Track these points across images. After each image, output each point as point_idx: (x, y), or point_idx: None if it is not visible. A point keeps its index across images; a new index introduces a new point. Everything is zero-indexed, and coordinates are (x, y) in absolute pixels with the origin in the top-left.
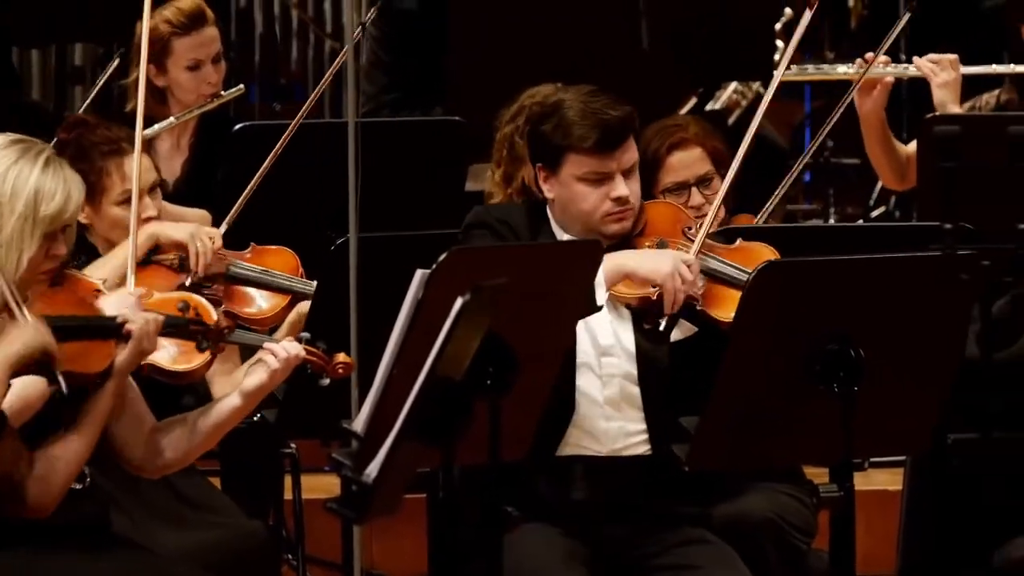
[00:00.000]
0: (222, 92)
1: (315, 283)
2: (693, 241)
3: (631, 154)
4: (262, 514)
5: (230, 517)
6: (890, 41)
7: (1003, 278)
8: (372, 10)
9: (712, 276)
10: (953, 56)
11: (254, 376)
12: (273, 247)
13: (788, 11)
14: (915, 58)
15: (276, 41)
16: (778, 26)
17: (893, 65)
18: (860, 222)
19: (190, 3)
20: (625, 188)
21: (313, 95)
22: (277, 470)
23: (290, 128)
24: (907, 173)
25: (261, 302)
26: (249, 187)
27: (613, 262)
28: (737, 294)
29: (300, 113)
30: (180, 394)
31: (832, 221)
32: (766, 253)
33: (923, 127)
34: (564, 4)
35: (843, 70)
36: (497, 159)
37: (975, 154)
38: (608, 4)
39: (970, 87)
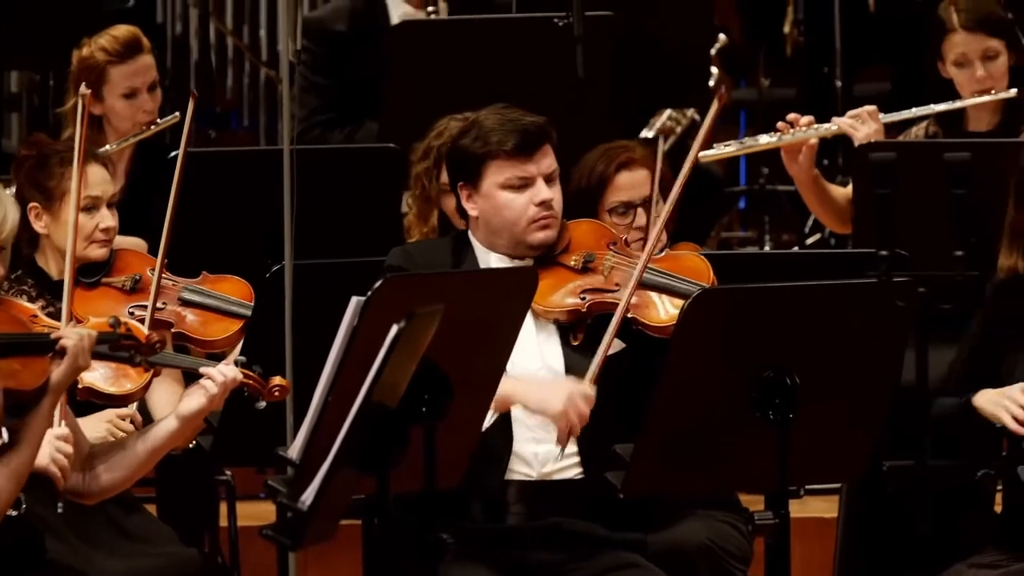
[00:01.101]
0: (158, 120)
1: None
2: (619, 256)
3: (550, 160)
4: (197, 541)
5: (166, 545)
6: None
7: (940, 305)
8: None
9: (647, 287)
10: (871, 108)
11: (191, 399)
12: (226, 276)
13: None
14: (834, 117)
15: (211, 69)
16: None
17: (815, 126)
18: (795, 249)
19: (126, 31)
20: (548, 191)
21: None
22: (212, 497)
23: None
24: (849, 215)
25: (214, 326)
26: (168, 214)
27: (504, 389)
28: (667, 299)
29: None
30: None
31: (767, 248)
32: (696, 260)
33: (858, 154)
34: (500, 31)
35: (765, 140)
36: (412, 195)
37: (911, 181)
38: (543, 31)
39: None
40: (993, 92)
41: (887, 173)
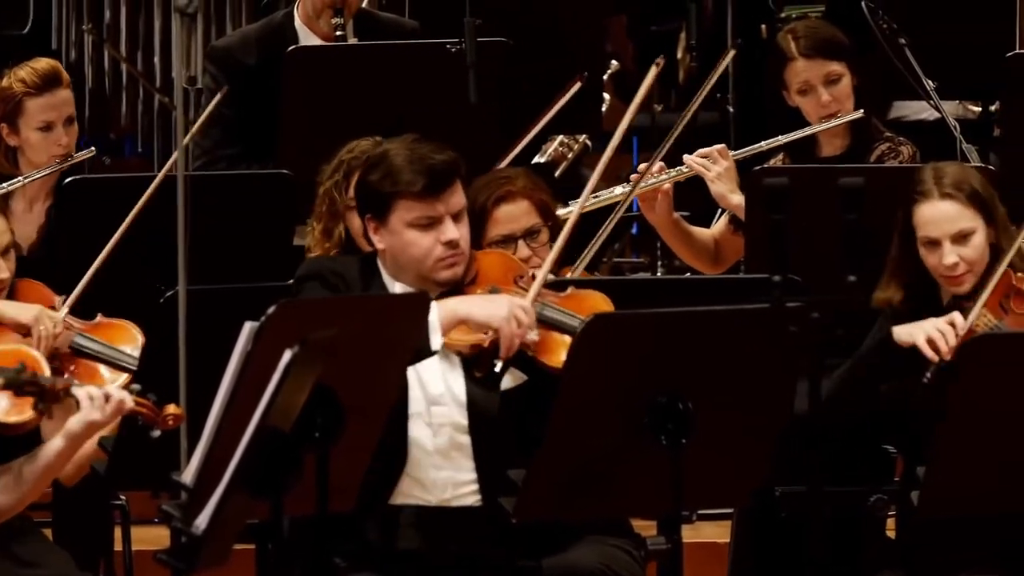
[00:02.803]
0: (73, 154)
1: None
2: (525, 290)
3: (459, 198)
4: (93, 566)
5: (61, 570)
6: (661, 153)
7: (834, 330)
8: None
9: (545, 323)
10: (721, 146)
11: (75, 418)
12: (117, 321)
13: (615, 63)
14: (685, 156)
15: (106, 95)
16: (605, 77)
17: (666, 171)
18: (688, 275)
19: (45, 64)
20: (455, 231)
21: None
22: (107, 521)
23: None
24: (719, 254)
25: (104, 375)
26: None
27: (448, 307)
28: (569, 340)
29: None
30: None
31: (660, 274)
32: (598, 300)
33: (752, 179)
34: (394, 57)
35: (620, 191)
36: (317, 214)
37: (804, 206)
38: (436, 57)
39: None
40: (840, 115)
41: (780, 198)
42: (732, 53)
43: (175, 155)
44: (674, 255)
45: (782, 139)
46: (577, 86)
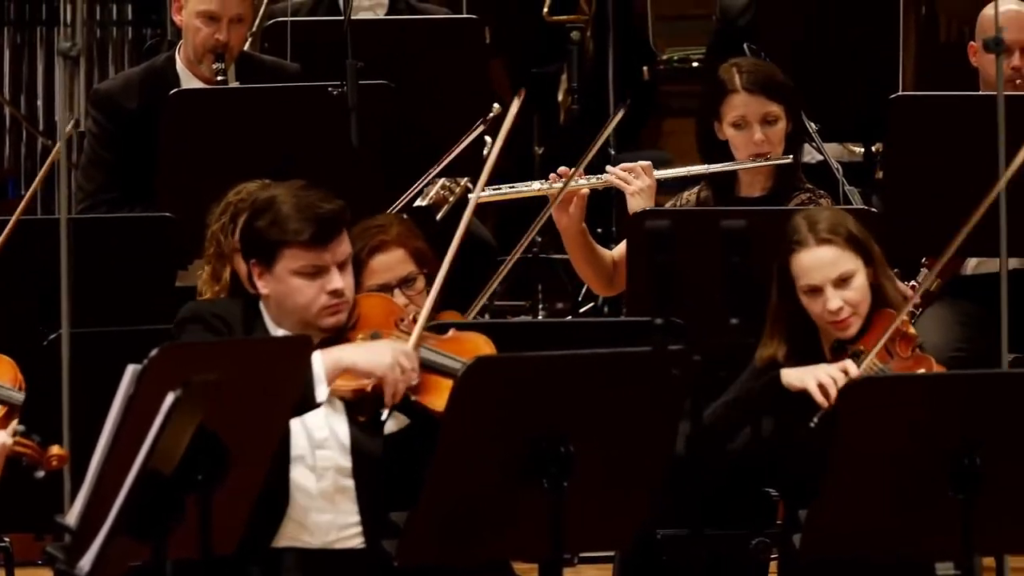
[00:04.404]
0: None
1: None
2: (407, 334)
3: (345, 247)
4: None
5: None
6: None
7: (717, 373)
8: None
9: (427, 367)
10: (646, 163)
11: None
12: None
13: (496, 106)
14: (608, 167)
15: None
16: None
17: (586, 177)
18: (569, 318)
19: None
20: (340, 281)
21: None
22: None
23: None
24: (615, 278)
25: None
26: None
27: (332, 357)
28: (451, 383)
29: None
30: None
31: (541, 317)
32: (480, 342)
33: (633, 222)
34: (276, 100)
35: (538, 187)
36: (207, 258)
37: (686, 248)
38: (318, 100)
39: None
40: (770, 157)
41: (662, 241)
42: (621, 113)
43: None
44: (556, 298)
45: (708, 168)
46: (480, 128)
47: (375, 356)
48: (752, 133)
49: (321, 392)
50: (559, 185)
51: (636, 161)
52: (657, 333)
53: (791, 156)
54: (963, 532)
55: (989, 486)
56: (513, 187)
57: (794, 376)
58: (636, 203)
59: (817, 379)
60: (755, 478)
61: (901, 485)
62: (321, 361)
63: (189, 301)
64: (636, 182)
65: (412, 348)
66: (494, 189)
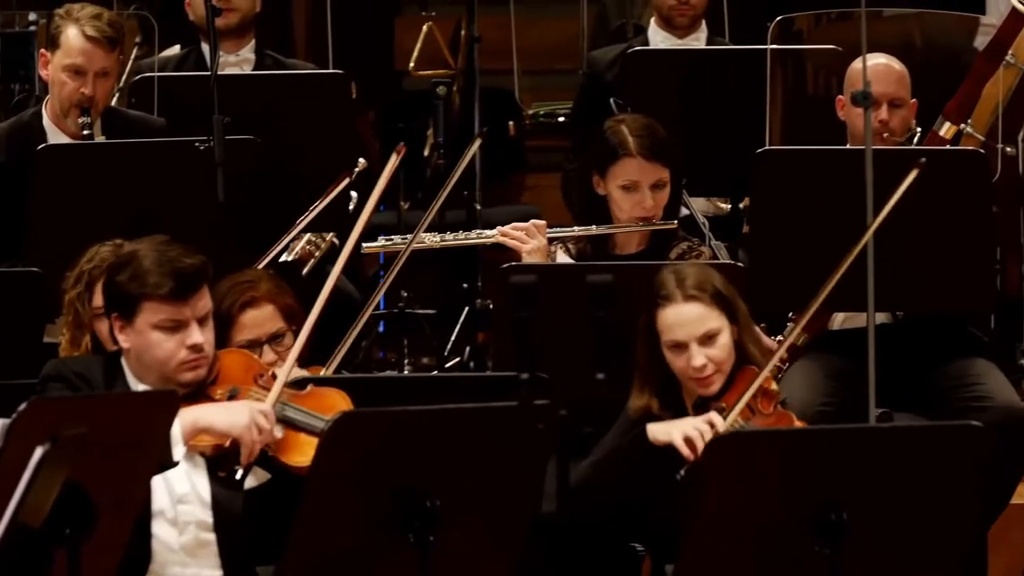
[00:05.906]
0: None
1: None
2: (266, 390)
3: (205, 302)
4: None
5: None
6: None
7: (582, 427)
8: None
9: (286, 424)
10: (541, 222)
11: None
12: None
13: (362, 161)
14: (499, 229)
15: None
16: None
17: (479, 235)
18: (435, 373)
19: None
20: (200, 336)
21: None
22: None
23: None
24: None
25: None
26: None
27: (189, 418)
28: (311, 440)
29: None
30: None
31: (407, 371)
32: (337, 398)
33: (498, 276)
34: (141, 156)
35: (429, 240)
36: (65, 322)
37: (552, 303)
38: (184, 155)
39: None
40: (655, 220)
41: (528, 296)
42: (479, 142)
43: None
44: (421, 353)
45: (596, 230)
46: (346, 181)
47: (232, 417)
48: (642, 198)
49: (178, 452)
50: (450, 239)
51: (509, 217)
52: (522, 388)
53: (675, 222)
54: None
55: (855, 540)
56: (405, 239)
57: (660, 431)
58: (531, 262)
59: (683, 432)
60: (621, 532)
61: (767, 540)
62: (178, 421)
63: (52, 359)
64: (532, 241)
65: (270, 406)
66: (386, 239)
